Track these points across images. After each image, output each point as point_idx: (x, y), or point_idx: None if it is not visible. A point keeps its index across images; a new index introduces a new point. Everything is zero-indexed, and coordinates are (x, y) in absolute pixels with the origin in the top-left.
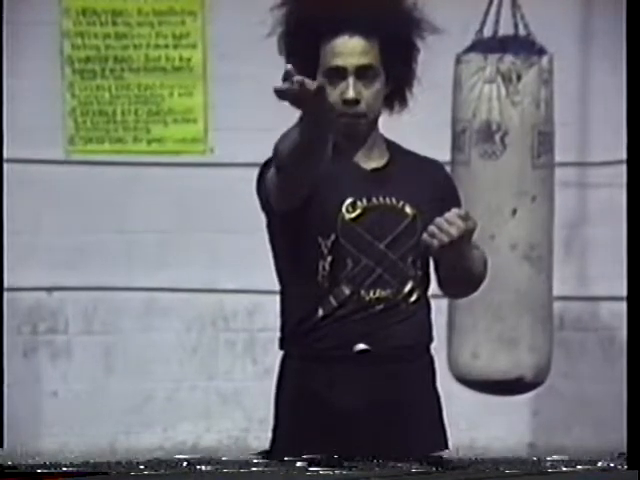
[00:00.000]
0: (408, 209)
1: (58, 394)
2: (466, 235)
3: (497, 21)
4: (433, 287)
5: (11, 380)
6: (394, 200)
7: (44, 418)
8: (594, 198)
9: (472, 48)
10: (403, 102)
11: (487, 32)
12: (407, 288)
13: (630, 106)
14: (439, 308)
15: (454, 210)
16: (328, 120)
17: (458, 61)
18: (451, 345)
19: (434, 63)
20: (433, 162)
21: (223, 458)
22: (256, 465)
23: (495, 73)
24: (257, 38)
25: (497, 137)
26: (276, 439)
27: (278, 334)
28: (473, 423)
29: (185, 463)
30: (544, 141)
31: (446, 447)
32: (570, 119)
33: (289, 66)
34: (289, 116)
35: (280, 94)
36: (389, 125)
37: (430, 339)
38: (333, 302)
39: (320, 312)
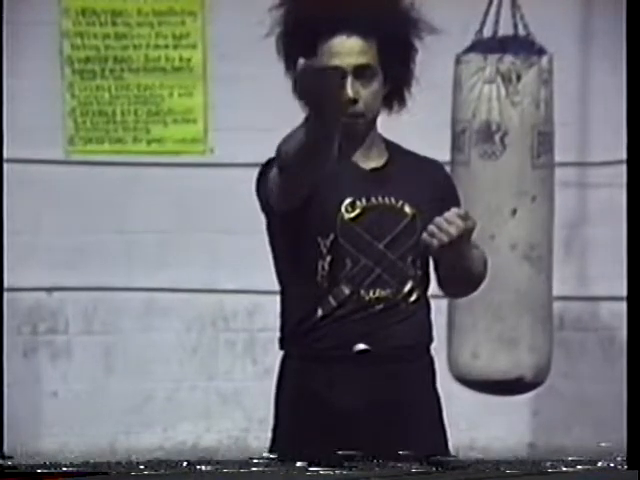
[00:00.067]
0: (407, 209)
1: (58, 394)
2: (465, 234)
3: (497, 21)
4: (433, 287)
5: (11, 380)
6: (393, 200)
7: (44, 418)
8: (594, 198)
9: (472, 48)
10: (402, 102)
11: (487, 32)
12: (407, 288)
13: (630, 106)
14: (439, 308)
15: (453, 210)
16: (336, 119)
17: (458, 61)
18: (451, 345)
19: (434, 63)
20: (432, 162)
21: (223, 458)
22: (256, 465)
23: (495, 73)
24: (257, 38)
25: (497, 137)
26: (276, 439)
27: (278, 334)
28: (473, 423)
29: (185, 463)
30: (544, 141)
31: (446, 447)
32: (570, 119)
33: (302, 60)
34: (289, 116)
35: (306, 81)
36: (389, 125)
37: (430, 339)
38: (332, 302)
39: (320, 312)
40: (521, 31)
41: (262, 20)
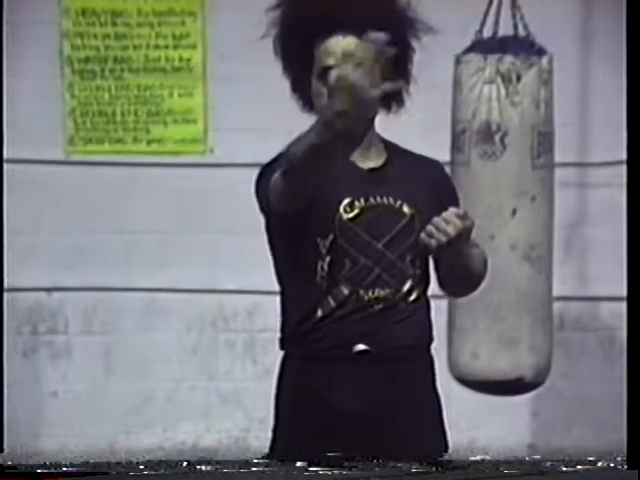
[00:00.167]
0: (406, 208)
1: (58, 394)
2: (464, 234)
3: (497, 21)
4: (433, 287)
5: (11, 380)
6: (392, 200)
7: (44, 418)
8: (594, 198)
9: (472, 48)
10: (400, 102)
11: (487, 32)
12: (406, 287)
13: (630, 106)
14: (439, 308)
15: (452, 209)
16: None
17: (458, 61)
18: (451, 345)
19: (433, 63)
20: (431, 161)
21: (223, 458)
22: (256, 465)
23: (495, 73)
24: (257, 39)
25: (497, 137)
26: (276, 439)
27: (278, 334)
28: (473, 423)
29: (185, 463)
30: (544, 141)
31: (446, 447)
32: (570, 119)
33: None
34: (289, 116)
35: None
36: (389, 125)
37: (430, 339)
38: (332, 302)
39: (319, 312)
40: (521, 31)
41: (259, 21)
